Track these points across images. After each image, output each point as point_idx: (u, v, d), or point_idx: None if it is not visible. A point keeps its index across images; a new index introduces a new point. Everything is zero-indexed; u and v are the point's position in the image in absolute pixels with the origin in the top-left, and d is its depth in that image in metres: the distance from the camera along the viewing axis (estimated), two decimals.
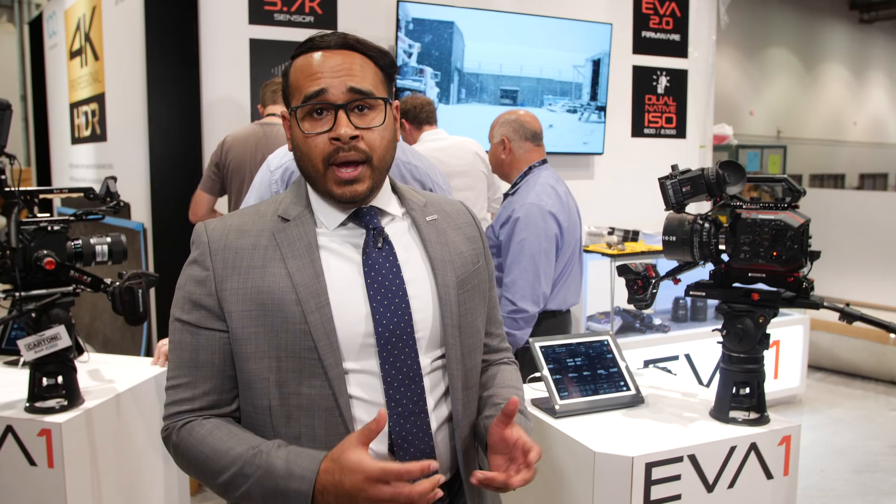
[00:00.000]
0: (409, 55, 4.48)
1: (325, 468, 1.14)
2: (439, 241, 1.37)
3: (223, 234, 1.29)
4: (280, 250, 1.27)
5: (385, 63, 1.33)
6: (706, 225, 1.94)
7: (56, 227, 2.03)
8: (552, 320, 2.88)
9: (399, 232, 1.35)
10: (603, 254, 4.29)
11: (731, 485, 1.86)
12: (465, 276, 1.37)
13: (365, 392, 1.25)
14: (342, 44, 1.29)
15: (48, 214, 2.07)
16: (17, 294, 1.97)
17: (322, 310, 1.23)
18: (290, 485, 1.15)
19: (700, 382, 4.52)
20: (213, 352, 1.26)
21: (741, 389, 1.95)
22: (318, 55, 1.28)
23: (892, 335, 3.75)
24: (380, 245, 1.30)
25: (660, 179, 1.99)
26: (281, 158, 2.14)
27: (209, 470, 1.22)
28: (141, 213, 4.21)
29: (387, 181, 1.38)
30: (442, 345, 1.32)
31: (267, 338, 1.23)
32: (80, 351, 2.18)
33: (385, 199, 1.36)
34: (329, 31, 1.31)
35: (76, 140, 5.67)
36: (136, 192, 4.19)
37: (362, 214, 1.32)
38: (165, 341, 2.42)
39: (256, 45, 4.17)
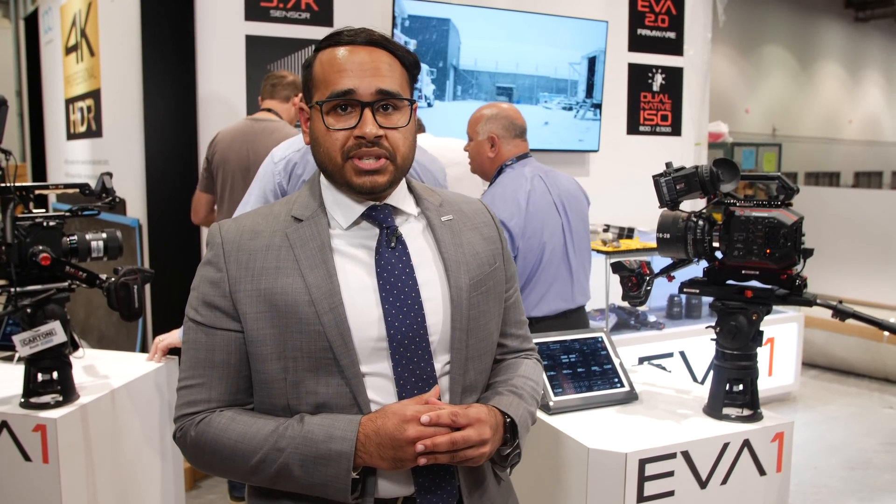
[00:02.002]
0: None
1: (365, 420, 1.19)
2: (454, 242, 1.35)
3: (237, 235, 1.29)
4: (293, 251, 1.26)
5: (410, 62, 1.33)
6: (700, 222, 1.95)
7: (52, 223, 2.03)
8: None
9: (414, 233, 1.34)
10: (598, 251, 4.30)
11: (725, 481, 1.87)
12: (481, 277, 1.35)
13: (378, 395, 1.24)
14: (369, 41, 1.28)
15: (43, 210, 2.07)
16: (12, 289, 1.97)
17: (335, 310, 1.22)
18: (331, 447, 1.17)
19: (694, 379, 4.53)
20: (229, 352, 1.25)
21: (734, 386, 1.96)
22: (345, 50, 1.27)
23: (886, 333, 3.77)
24: (393, 245, 1.29)
25: (654, 177, 1.99)
26: (284, 150, 2.13)
27: (238, 455, 1.21)
28: (136, 209, 4.21)
29: (403, 181, 1.37)
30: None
31: (282, 339, 1.23)
32: (76, 346, 2.17)
33: (400, 198, 1.35)
34: (356, 27, 1.30)
35: (71, 136, 5.66)
36: (132, 188, 4.19)
37: (376, 212, 1.30)
38: (162, 337, 2.42)
39: (252, 42, 4.17)
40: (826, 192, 10.42)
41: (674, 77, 5.75)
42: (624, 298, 2.14)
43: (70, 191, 2.24)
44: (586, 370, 2.08)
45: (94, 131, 5.01)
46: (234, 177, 3.34)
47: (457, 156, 3.53)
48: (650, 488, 1.78)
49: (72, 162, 5.69)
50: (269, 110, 3.50)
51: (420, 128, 3.86)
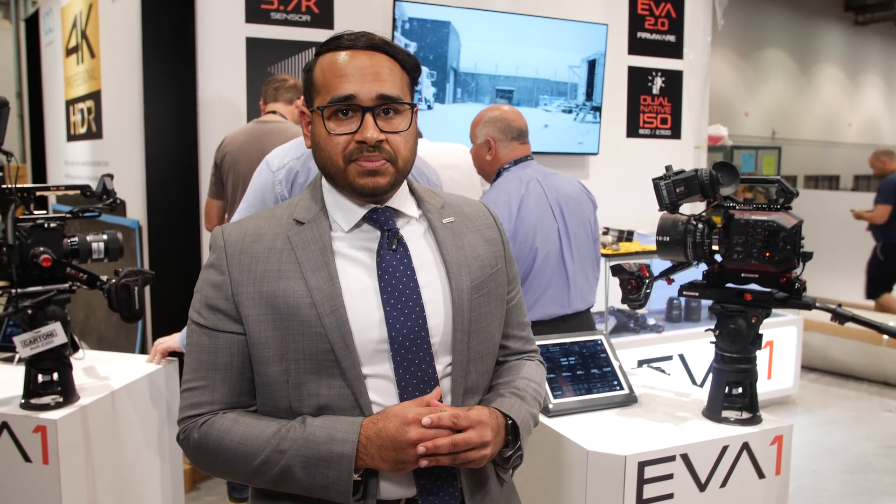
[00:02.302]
0: None
1: (367, 422, 1.19)
2: (455, 244, 1.35)
3: (239, 238, 1.30)
4: (295, 254, 1.27)
5: (410, 66, 1.33)
6: (700, 225, 1.96)
7: (53, 225, 2.04)
8: None
9: (415, 235, 1.34)
10: None
11: (724, 484, 1.88)
12: (482, 279, 1.35)
13: (380, 396, 1.25)
14: (370, 45, 1.28)
15: (44, 212, 2.07)
16: (13, 291, 1.97)
17: (337, 312, 1.23)
18: (332, 449, 1.18)
19: (693, 382, 4.54)
20: (231, 354, 1.26)
21: (734, 389, 1.96)
22: (345, 55, 1.27)
23: (885, 336, 3.76)
24: (394, 247, 1.29)
25: (654, 180, 2.00)
26: (282, 158, 2.03)
27: (241, 456, 1.22)
28: (136, 210, 4.21)
29: (405, 183, 1.38)
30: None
31: (284, 341, 1.23)
32: (76, 348, 2.18)
33: (401, 200, 1.35)
34: (356, 31, 1.30)
35: (72, 137, 5.66)
36: (132, 190, 4.19)
37: (377, 215, 1.31)
38: (162, 340, 2.42)
39: (253, 44, 4.18)
40: (825, 195, 10.44)
41: (673, 80, 5.75)
42: (623, 301, 2.14)
43: (70, 192, 2.24)
44: (586, 373, 2.09)
45: (95, 133, 5.01)
46: (245, 179, 3.33)
47: (452, 158, 3.52)
48: (649, 491, 1.78)
49: (72, 163, 5.69)
50: (273, 112, 3.50)
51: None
